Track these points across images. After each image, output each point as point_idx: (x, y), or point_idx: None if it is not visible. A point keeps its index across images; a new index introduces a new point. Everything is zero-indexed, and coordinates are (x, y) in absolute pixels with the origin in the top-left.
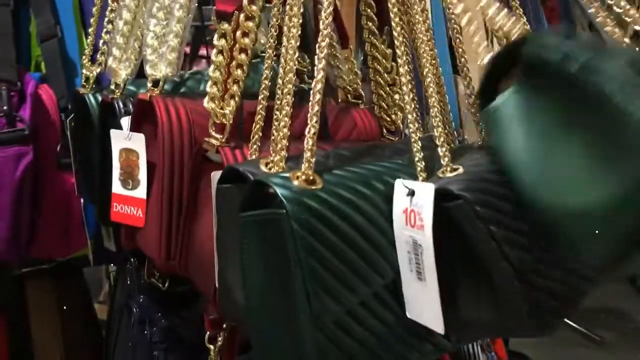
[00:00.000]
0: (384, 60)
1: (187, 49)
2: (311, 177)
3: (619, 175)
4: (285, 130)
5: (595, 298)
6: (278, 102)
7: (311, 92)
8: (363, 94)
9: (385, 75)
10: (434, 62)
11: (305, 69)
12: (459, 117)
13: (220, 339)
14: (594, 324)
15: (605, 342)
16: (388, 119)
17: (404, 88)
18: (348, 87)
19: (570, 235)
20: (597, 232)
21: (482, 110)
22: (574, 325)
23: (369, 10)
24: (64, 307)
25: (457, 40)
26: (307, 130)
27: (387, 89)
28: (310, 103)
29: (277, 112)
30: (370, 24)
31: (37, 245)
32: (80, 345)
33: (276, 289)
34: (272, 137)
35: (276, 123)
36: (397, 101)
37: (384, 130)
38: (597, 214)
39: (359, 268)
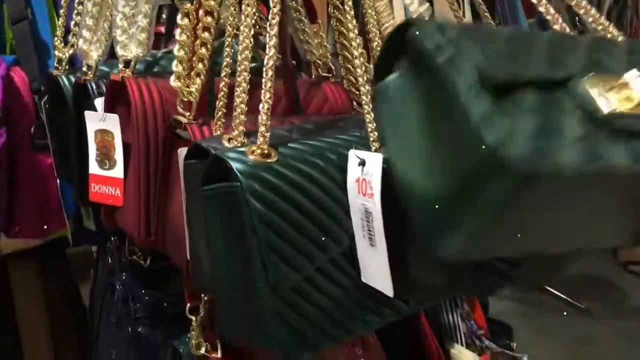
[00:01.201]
0: (350, 34)
1: (162, 29)
2: (266, 151)
3: (455, 171)
4: (243, 106)
5: (579, 267)
6: (237, 78)
7: (263, 69)
8: (333, 68)
9: (352, 49)
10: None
11: None
12: None
13: (201, 310)
14: (577, 292)
15: (589, 310)
16: (357, 91)
17: (356, 62)
18: (318, 61)
19: (417, 224)
20: (437, 223)
21: (375, 87)
22: (558, 293)
23: None
24: (48, 288)
25: None
26: (260, 106)
27: (355, 62)
28: (263, 80)
29: (237, 89)
30: None
31: (15, 226)
32: (65, 324)
33: (237, 259)
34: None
35: (236, 100)
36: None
37: (355, 103)
38: (436, 205)
39: (314, 236)
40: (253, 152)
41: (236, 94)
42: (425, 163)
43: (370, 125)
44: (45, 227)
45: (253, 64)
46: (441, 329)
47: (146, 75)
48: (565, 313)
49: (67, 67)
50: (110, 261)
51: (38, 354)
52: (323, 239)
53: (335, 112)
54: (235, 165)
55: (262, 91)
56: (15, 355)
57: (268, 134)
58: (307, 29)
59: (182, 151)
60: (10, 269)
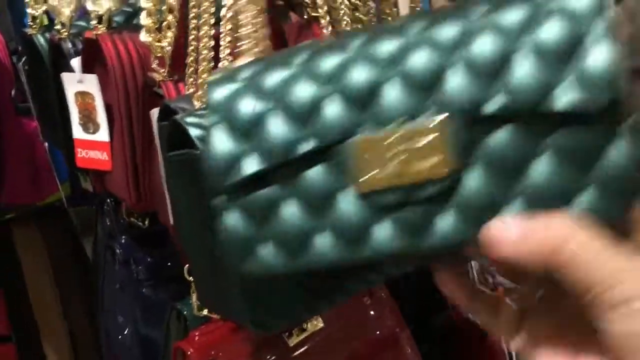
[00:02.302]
0: None
1: None
2: None
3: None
4: (205, 63)
5: None
6: (202, 31)
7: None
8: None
9: None
10: None
11: None
12: None
13: None
14: None
15: None
16: None
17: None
18: (307, 0)
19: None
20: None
21: None
22: None
23: None
24: (50, 242)
25: None
26: (220, 52)
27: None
28: (221, 23)
29: (200, 42)
30: None
31: (7, 191)
32: (71, 281)
33: (201, 228)
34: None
35: (201, 54)
36: (357, 15)
37: None
38: None
39: None
40: None
41: (202, 47)
42: None
43: None
44: (37, 190)
45: None
46: None
47: (122, 29)
48: None
49: (43, 25)
50: (108, 223)
51: (46, 305)
52: None
53: None
54: (193, 132)
55: (221, 35)
56: (24, 306)
57: None
58: None
59: (156, 112)
60: (13, 229)
